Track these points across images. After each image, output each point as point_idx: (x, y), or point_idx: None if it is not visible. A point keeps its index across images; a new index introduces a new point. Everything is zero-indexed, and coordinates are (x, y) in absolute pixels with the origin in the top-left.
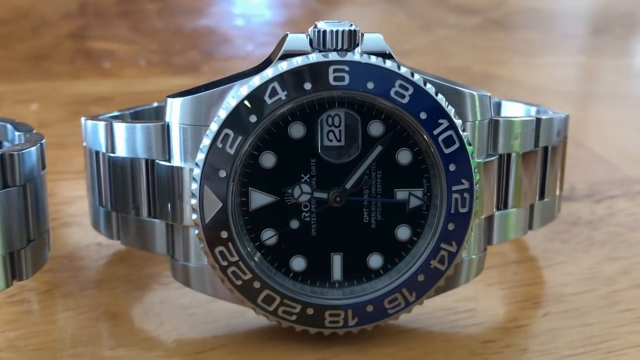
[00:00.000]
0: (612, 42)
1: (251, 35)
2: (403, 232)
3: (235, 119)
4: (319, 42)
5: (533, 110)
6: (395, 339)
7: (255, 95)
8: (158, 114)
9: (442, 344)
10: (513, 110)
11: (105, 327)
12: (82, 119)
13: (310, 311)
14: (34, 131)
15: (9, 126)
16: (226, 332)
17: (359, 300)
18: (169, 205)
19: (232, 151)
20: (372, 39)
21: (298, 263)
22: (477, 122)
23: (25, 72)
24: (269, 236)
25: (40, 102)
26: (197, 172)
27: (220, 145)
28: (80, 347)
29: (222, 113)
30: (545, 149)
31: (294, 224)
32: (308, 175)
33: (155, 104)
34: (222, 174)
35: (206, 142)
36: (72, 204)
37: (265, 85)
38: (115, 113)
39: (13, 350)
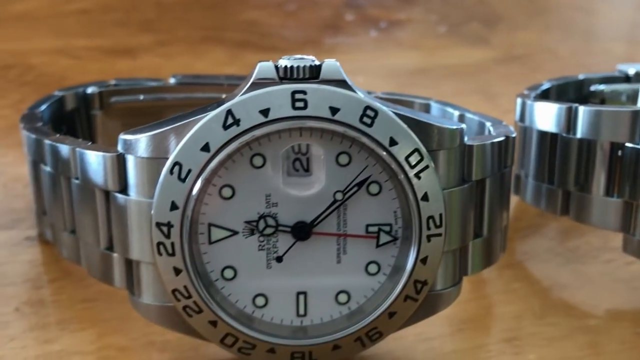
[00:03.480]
0: None
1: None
2: None
3: None
4: None
5: None
6: None
7: None
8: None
9: None
10: None
11: (559, 298)
12: (522, 100)
13: None
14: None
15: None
16: None
17: None
18: (627, 186)
19: None
20: None
21: None
22: None
23: (328, 43)
24: None
25: (363, 75)
26: None
27: None
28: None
29: None
30: None
31: None
32: None
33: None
34: None
35: None
36: None
37: None
38: (546, 85)
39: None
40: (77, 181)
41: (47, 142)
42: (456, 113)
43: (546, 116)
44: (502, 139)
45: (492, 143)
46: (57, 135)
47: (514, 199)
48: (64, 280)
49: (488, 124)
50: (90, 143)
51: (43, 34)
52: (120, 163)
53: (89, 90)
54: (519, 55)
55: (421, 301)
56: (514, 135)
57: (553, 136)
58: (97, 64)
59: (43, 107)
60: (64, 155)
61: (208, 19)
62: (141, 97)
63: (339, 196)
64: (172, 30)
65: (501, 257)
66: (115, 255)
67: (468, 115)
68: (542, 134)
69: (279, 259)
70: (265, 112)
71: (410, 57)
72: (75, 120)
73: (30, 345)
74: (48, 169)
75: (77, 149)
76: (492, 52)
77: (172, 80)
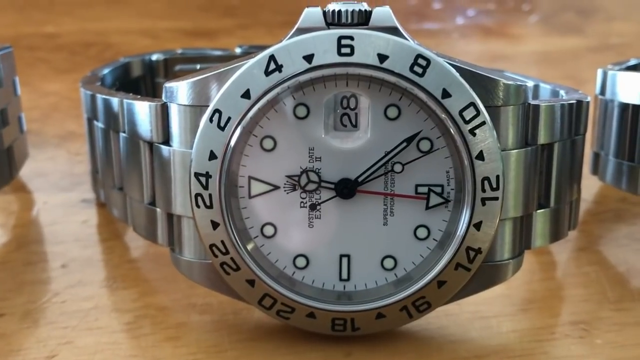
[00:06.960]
0: None
1: None
2: None
3: None
4: None
5: None
6: None
7: None
8: None
9: None
10: None
11: (635, 285)
12: (607, 71)
13: None
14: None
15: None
16: None
17: None
18: None
19: None
20: None
21: None
22: None
23: (411, 29)
24: None
25: None
26: None
27: None
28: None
29: None
30: None
31: None
32: None
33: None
34: None
35: None
36: None
37: None
38: (633, 62)
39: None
40: (124, 134)
41: (99, 96)
42: (530, 83)
43: (628, 87)
44: (573, 102)
45: (562, 105)
46: (110, 90)
47: (594, 184)
48: (114, 241)
49: (562, 91)
50: (138, 96)
51: (127, 15)
52: (163, 112)
53: (154, 57)
54: (615, 44)
55: (475, 271)
56: (587, 99)
57: (635, 109)
58: (175, 44)
59: (105, 70)
60: (114, 108)
61: (290, 4)
62: (198, 66)
63: (398, 168)
64: (253, 15)
65: (571, 234)
66: (158, 210)
67: (542, 85)
68: (624, 107)
69: (313, 207)
70: (309, 57)
71: (496, 44)
72: (140, 88)
73: (71, 300)
74: (100, 124)
75: (125, 101)
76: (586, 40)
77: (237, 50)
